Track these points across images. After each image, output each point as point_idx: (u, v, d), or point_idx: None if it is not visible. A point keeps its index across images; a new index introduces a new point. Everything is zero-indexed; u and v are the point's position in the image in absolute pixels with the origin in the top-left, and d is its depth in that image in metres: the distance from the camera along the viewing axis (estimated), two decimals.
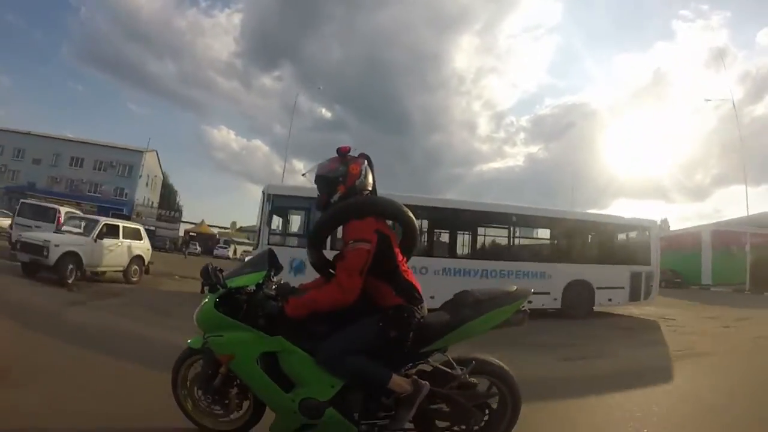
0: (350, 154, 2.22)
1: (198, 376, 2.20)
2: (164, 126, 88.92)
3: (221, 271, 2.07)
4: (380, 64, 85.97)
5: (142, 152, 41.49)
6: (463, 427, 2.09)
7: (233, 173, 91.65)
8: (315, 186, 2.24)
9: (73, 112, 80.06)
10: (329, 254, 2.26)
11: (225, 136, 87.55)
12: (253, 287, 2.06)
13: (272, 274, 2.20)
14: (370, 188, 2.22)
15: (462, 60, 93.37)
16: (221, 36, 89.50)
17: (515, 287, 2.20)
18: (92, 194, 38.67)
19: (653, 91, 79.45)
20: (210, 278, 2.01)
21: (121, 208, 36.74)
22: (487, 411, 2.13)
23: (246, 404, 2.19)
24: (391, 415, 1.99)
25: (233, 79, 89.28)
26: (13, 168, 39.35)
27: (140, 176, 41.22)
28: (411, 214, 2.20)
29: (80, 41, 76.59)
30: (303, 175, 2.45)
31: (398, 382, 1.96)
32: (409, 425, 2.01)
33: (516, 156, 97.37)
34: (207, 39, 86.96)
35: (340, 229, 2.16)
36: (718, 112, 51.12)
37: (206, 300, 2.08)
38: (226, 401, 2.15)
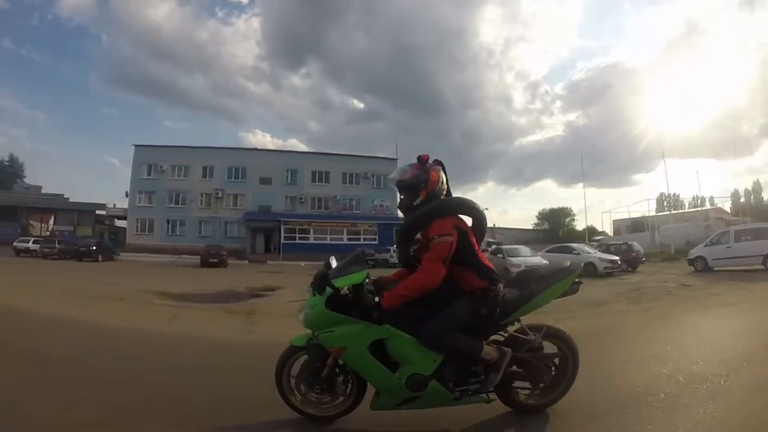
0: (429, 162, 2.52)
1: (304, 369, 2.42)
2: (203, 138, 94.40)
3: (328, 274, 2.30)
4: (406, 48, 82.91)
5: (396, 160, 37.88)
6: (535, 384, 2.49)
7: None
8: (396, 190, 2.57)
9: (113, 137, 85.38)
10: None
11: (261, 139, 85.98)
12: (347, 287, 2.29)
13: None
14: (445, 191, 2.53)
15: (488, 32, 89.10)
16: (243, 42, 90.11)
17: (569, 262, 2.68)
18: (352, 211, 37.02)
19: (687, 42, 74.95)
20: (321, 282, 2.23)
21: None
22: (552, 368, 2.52)
23: (349, 389, 2.43)
24: (480, 380, 2.28)
25: (262, 82, 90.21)
26: (234, 191, 36.55)
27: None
28: (480, 208, 2.52)
29: (107, 68, 77.85)
30: (388, 179, 2.67)
31: (488, 351, 2.30)
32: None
33: (555, 126, 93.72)
34: (230, 47, 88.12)
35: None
36: (759, 55, 51.75)
37: (314, 303, 2.28)
38: (333, 389, 2.40)
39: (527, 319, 2.52)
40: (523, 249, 17.47)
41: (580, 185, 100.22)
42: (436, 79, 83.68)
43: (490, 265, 2.39)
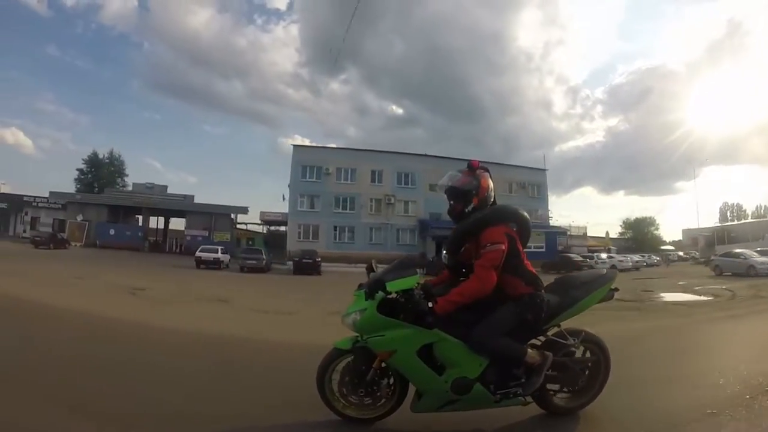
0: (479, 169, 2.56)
1: (348, 372, 2.42)
2: (241, 141, 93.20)
3: (381, 280, 2.27)
4: (443, 53, 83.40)
5: (545, 171, 41.11)
6: (570, 387, 2.55)
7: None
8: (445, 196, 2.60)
9: (156, 139, 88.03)
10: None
11: (299, 144, 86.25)
12: (402, 290, 2.27)
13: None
14: (493, 198, 2.58)
15: (526, 36, 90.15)
16: (282, 49, 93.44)
17: (605, 270, 2.74)
18: None
19: (729, 43, 75.17)
20: (374, 287, 2.23)
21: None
22: (586, 372, 2.57)
23: (392, 390, 2.45)
24: (520, 384, 2.31)
25: (302, 89, 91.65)
26: (405, 197, 35.63)
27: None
28: (526, 216, 2.58)
29: (149, 74, 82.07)
30: (435, 186, 2.66)
31: (531, 355, 2.34)
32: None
33: (595, 131, 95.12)
34: (269, 54, 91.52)
35: None
36: None
37: (364, 307, 2.29)
38: (377, 391, 2.41)
39: (565, 324, 2.58)
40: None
41: (621, 192, 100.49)
42: (474, 83, 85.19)
43: (535, 271, 2.45)
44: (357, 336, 2.37)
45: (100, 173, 46.08)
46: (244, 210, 38.00)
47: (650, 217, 56.13)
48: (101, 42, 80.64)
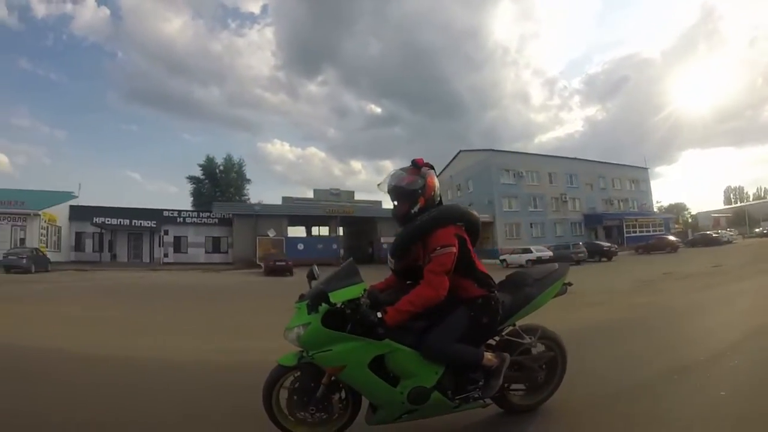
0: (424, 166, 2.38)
1: (296, 390, 2.23)
2: (221, 149, 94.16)
3: (324, 291, 2.07)
4: (421, 51, 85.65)
5: (647, 170, 48.44)
6: (529, 385, 2.56)
7: (293, 183, 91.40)
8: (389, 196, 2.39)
9: (134, 151, 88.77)
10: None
11: (280, 148, 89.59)
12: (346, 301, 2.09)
13: None
14: (439, 198, 2.43)
15: (502, 30, 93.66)
16: (258, 52, 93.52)
17: (557, 265, 2.73)
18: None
19: (704, 29, 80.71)
20: (317, 300, 2.03)
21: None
22: (544, 368, 2.58)
23: (344, 405, 2.31)
24: (479, 387, 2.26)
25: (279, 92, 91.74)
26: (572, 195, 40.97)
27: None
28: (475, 214, 2.48)
29: (124, 84, 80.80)
30: (378, 186, 2.46)
31: (488, 358, 2.28)
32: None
33: (574, 121, 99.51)
34: (245, 58, 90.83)
35: None
36: None
37: (307, 321, 2.09)
38: (329, 407, 2.24)
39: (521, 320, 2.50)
40: None
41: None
42: (453, 80, 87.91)
43: (487, 271, 2.35)
44: (302, 351, 2.18)
45: (219, 181, 38.43)
46: None
47: (682, 203, 62.92)
48: (74, 53, 78.99)
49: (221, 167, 42.19)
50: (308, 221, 33.96)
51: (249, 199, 41.23)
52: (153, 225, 30.12)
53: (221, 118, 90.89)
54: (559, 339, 2.61)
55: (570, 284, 2.68)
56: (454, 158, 43.33)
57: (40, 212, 26.36)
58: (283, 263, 23.25)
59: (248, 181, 44.30)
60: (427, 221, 2.24)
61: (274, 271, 22.32)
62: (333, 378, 2.18)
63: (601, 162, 44.88)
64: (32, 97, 77.62)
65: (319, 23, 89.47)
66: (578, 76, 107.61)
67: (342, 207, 34.29)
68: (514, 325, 2.48)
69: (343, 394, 2.28)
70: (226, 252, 32.11)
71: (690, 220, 62.23)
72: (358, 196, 39.89)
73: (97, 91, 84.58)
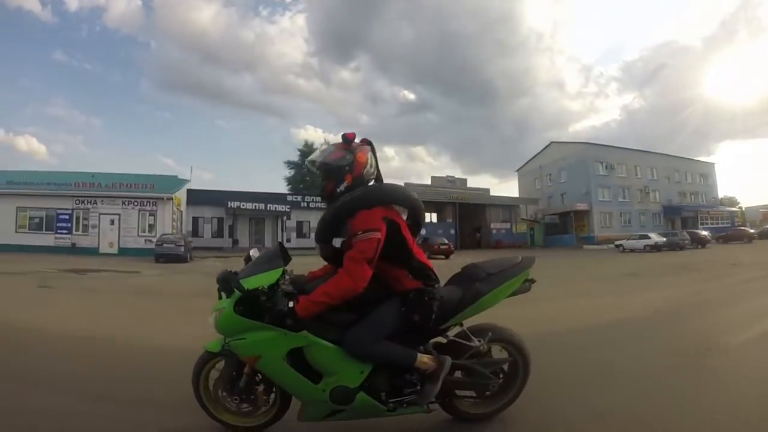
0: (355, 141, 2.13)
1: (221, 378, 2.14)
2: (255, 135, 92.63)
3: (236, 273, 1.97)
4: (454, 36, 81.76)
5: (713, 164, 50.70)
6: (480, 393, 2.22)
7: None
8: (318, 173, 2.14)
9: (168, 137, 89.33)
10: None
11: (313, 134, 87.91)
12: (266, 286, 1.94)
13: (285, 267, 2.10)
14: (374, 176, 2.18)
15: (536, 15, 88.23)
16: (290, 39, 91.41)
17: (520, 257, 2.31)
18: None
19: (744, 15, 74.00)
20: (227, 283, 1.93)
21: None
22: (501, 375, 2.26)
23: (273, 398, 2.19)
24: (416, 391, 2.01)
25: (312, 79, 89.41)
26: (653, 188, 42.36)
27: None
28: (416, 197, 2.18)
29: (157, 73, 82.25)
30: (308, 161, 2.20)
31: (423, 361, 2.01)
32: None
33: (610, 109, 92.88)
34: (277, 45, 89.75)
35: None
36: None
37: (223, 306, 1.98)
38: (254, 398, 2.13)
39: (474, 320, 2.21)
40: None
41: None
42: (485, 66, 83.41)
43: (428, 262, 2.10)
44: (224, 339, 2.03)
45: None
46: (534, 201, 39.23)
47: (733, 197, 59.66)
48: (107, 44, 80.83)
49: None
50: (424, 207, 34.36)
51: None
52: (287, 209, 29.88)
53: (254, 104, 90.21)
54: (520, 343, 2.26)
55: (533, 281, 2.28)
56: (544, 149, 44.32)
57: (173, 196, 24.63)
58: (446, 246, 23.83)
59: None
60: (349, 201, 1.98)
61: (440, 252, 22.30)
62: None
63: (675, 156, 46.77)
64: (68, 88, 79.96)
65: (351, 9, 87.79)
66: (615, 63, 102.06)
67: (460, 193, 34.87)
68: (462, 325, 2.17)
69: (272, 386, 2.13)
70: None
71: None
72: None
73: (132, 80, 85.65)
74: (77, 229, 23.53)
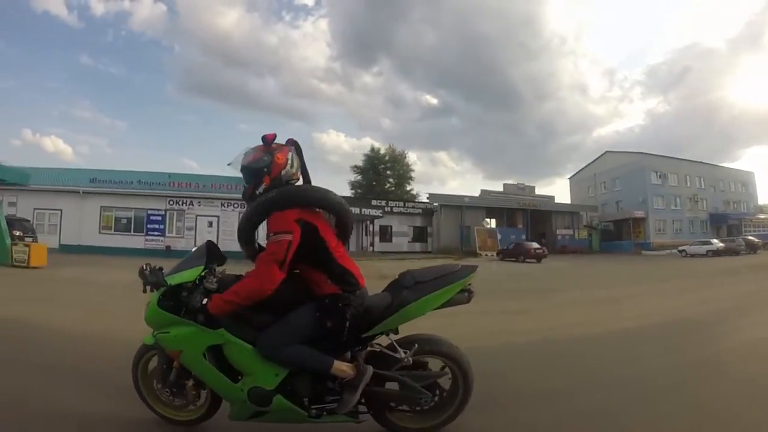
0: (276, 141, 2.14)
1: (155, 370, 2.23)
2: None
3: (161, 269, 2.03)
4: (476, 40, 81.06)
5: (753, 173, 51.31)
6: (415, 407, 2.15)
7: (349, 173, 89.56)
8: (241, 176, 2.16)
9: (192, 140, 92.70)
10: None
11: (335, 138, 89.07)
12: (191, 283, 2.02)
13: (215, 266, 2.19)
14: (297, 177, 2.17)
15: (559, 18, 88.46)
16: (313, 43, 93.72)
17: (460, 265, 2.20)
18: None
19: None
20: (148, 278, 1.98)
21: None
22: (437, 391, 2.17)
23: (204, 394, 2.21)
24: (338, 399, 2.00)
25: (335, 83, 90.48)
26: (702, 196, 44.19)
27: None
28: (340, 200, 2.15)
29: (181, 76, 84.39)
30: (228, 165, 2.20)
31: (340, 368, 1.97)
32: (362, 407, 2.08)
33: (634, 114, 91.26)
34: (300, 49, 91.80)
35: None
36: None
37: (150, 299, 2.08)
38: (184, 392, 2.16)
39: (408, 329, 2.17)
40: None
41: None
42: (509, 70, 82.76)
43: (351, 266, 2.07)
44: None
45: (380, 173, 40.36)
46: (594, 208, 40.97)
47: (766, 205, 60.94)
48: (132, 48, 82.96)
49: (387, 158, 43.34)
50: (494, 213, 36.06)
51: (414, 192, 42.78)
52: (380, 214, 31.30)
53: (277, 108, 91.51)
54: (459, 357, 2.17)
55: (471, 292, 2.16)
56: (598, 158, 46.71)
57: None
58: (541, 250, 25.35)
59: (411, 178, 44.69)
60: (262, 203, 2.01)
61: (533, 256, 24.54)
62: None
63: (718, 165, 49.29)
64: (94, 91, 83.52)
65: (373, 13, 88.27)
66: (639, 67, 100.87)
67: (530, 200, 36.63)
68: (387, 334, 2.12)
69: (202, 383, 2.14)
70: (426, 241, 33.65)
71: None
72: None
73: (156, 83, 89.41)
74: (170, 231, 22.70)
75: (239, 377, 2.01)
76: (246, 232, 2.16)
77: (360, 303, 1.99)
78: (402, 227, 33.80)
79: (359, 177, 43.66)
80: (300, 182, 2.19)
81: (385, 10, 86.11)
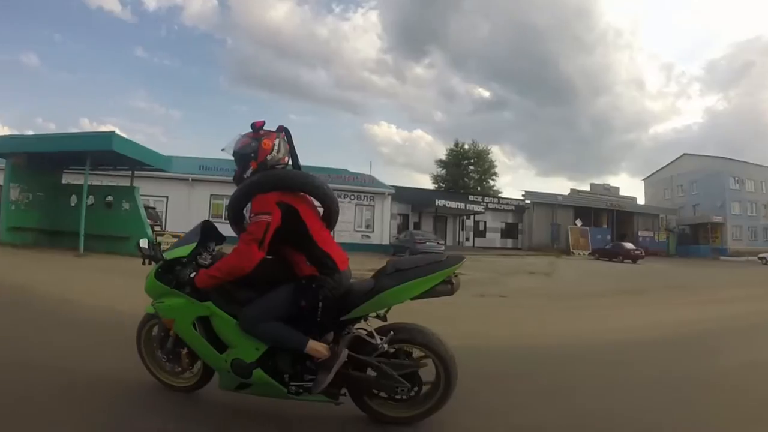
0: (265, 128, 2.24)
1: (154, 338, 2.43)
2: (327, 130, 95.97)
3: (159, 245, 2.33)
4: (529, 31, 76.74)
5: None
6: (393, 395, 2.16)
7: (399, 165, 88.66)
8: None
9: (244, 130, 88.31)
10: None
11: (386, 130, 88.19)
12: (185, 258, 2.18)
13: (209, 245, 2.33)
14: (285, 162, 2.28)
15: (614, 10, 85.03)
16: (363, 36, 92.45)
17: (446, 256, 2.20)
18: None
19: None
20: (145, 252, 2.23)
21: None
22: (417, 382, 2.16)
23: (198, 364, 2.35)
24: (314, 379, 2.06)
25: (386, 75, 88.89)
26: None
27: None
28: (322, 184, 2.23)
29: (234, 68, 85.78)
30: (222, 150, 2.34)
31: (315, 348, 2.03)
32: (343, 391, 2.14)
33: (692, 112, 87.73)
34: (351, 41, 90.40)
35: None
36: None
37: (150, 271, 2.29)
38: (180, 360, 2.33)
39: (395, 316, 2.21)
40: None
41: None
42: (562, 62, 77.74)
43: (333, 249, 2.14)
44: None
45: (464, 168, 41.14)
46: (674, 211, 41.56)
47: None
48: (185, 41, 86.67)
49: (472, 154, 43.49)
50: (581, 212, 36.79)
51: (497, 188, 43.56)
52: (482, 210, 32.24)
53: (328, 99, 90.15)
54: (442, 351, 2.14)
55: (452, 283, 2.13)
56: (675, 160, 47.02)
57: (393, 191, 26.37)
58: (638, 251, 25.88)
59: (495, 174, 44.34)
60: (246, 186, 2.15)
61: (631, 257, 24.73)
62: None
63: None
64: (149, 82, 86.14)
65: (424, 4, 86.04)
66: (697, 61, 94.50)
67: (615, 201, 37.39)
68: (366, 319, 2.18)
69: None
70: (517, 238, 34.64)
71: None
72: None
73: (209, 75, 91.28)
74: None
75: (225, 349, 2.12)
76: (233, 212, 2.34)
77: (335, 286, 2.05)
78: (495, 223, 34.54)
79: (443, 171, 43.89)
80: (288, 168, 2.30)
81: (437, 0, 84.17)
